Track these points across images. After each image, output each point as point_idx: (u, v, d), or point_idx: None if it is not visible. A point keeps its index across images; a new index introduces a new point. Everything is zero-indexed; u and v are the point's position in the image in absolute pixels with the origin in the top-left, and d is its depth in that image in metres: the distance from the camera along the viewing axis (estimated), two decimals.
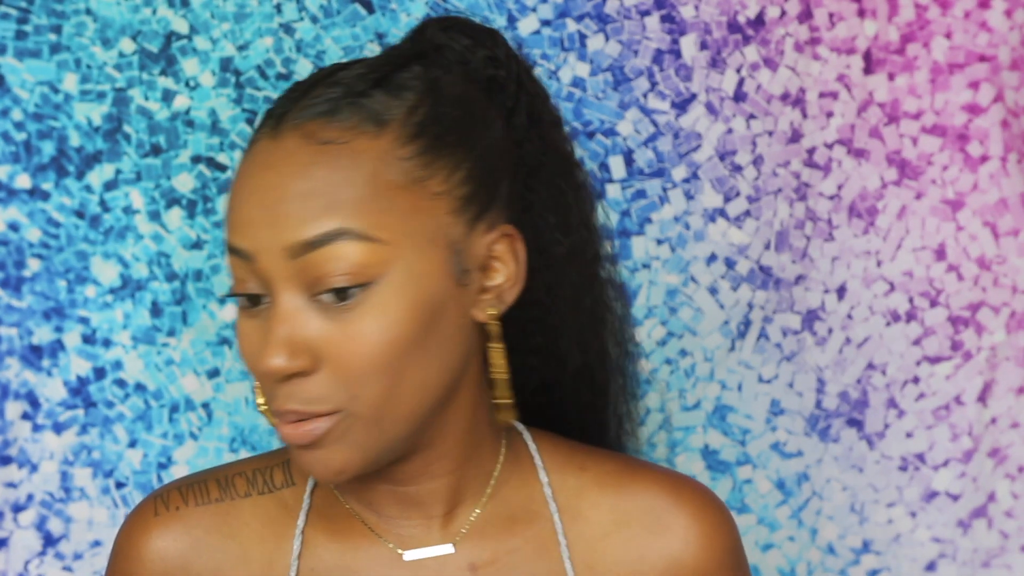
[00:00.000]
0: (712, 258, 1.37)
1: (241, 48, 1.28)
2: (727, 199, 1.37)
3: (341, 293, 0.86)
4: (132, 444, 1.29)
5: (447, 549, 0.94)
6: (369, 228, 0.86)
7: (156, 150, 1.28)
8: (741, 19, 1.36)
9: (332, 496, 0.98)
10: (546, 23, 1.33)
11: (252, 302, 0.89)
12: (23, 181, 1.26)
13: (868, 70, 1.39)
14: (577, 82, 1.34)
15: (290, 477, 0.98)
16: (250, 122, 1.29)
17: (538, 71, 1.33)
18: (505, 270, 0.92)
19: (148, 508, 0.97)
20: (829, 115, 1.39)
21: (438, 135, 0.90)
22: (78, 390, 1.28)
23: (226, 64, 1.28)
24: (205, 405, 1.29)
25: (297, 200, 0.86)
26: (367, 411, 0.87)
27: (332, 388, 0.87)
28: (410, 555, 0.94)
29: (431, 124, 0.90)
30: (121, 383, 1.28)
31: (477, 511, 0.96)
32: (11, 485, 1.27)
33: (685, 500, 0.98)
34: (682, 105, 1.36)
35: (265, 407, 0.92)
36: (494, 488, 0.96)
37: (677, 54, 1.35)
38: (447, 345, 0.90)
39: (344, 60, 1.00)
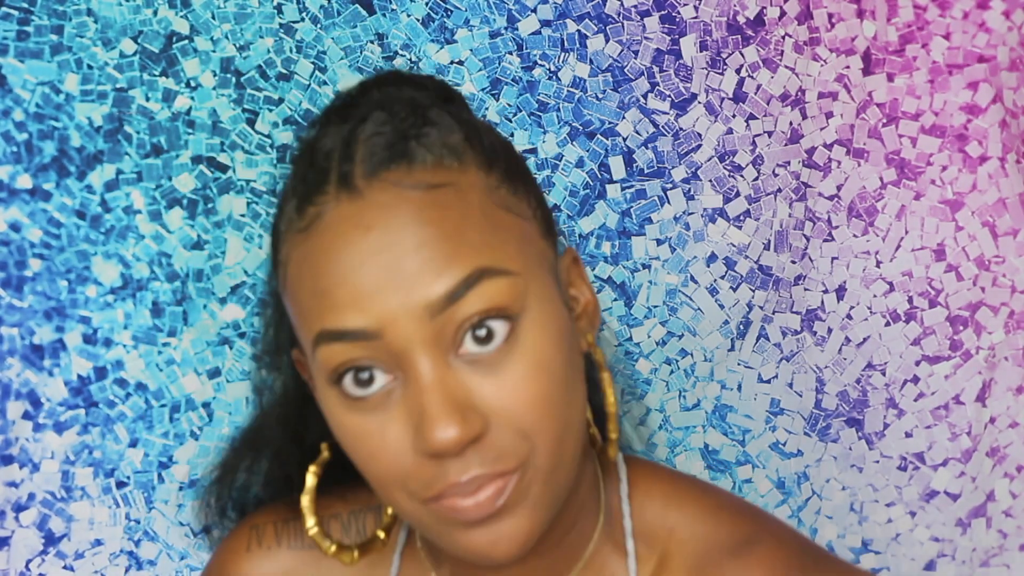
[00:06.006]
0: (712, 258, 1.37)
1: (242, 48, 1.29)
2: (727, 199, 1.37)
3: (483, 341, 0.76)
4: (133, 444, 1.29)
5: None
6: (501, 262, 0.77)
7: (157, 150, 1.28)
8: (741, 19, 1.36)
9: (419, 554, 0.93)
10: (546, 23, 1.33)
11: (361, 387, 0.78)
12: (24, 181, 1.26)
13: (867, 71, 1.39)
14: (577, 82, 1.34)
15: (380, 522, 0.94)
16: (251, 123, 1.29)
17: (538, 71, 1.33)
18: (581, 291, 0.86)
19: (242, 540, 0.98)
20: (828, 115, 1.39)
21: (503, 160, 0.82)
22: (79, 390, 1.28)
23: (227, 64, 1.28)
24: (206, 405, 1.30)
25: (423, 252, 0.75)
26: (544, 461, 0.78)
27: (513, 441, 0.77)
28: None
29: (492, 151, 0.82)
30: (122, 383, 1.29)
31: None
32: (12, 484, 1.27)
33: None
34: (682, 105, 1.36)
35: (316, 529, 0.85)
36: (588, 557, 0.88)
37: (677, 54, 1.35)
38: (580, 378, 0.82)
39: (315, 119, 0.90)
